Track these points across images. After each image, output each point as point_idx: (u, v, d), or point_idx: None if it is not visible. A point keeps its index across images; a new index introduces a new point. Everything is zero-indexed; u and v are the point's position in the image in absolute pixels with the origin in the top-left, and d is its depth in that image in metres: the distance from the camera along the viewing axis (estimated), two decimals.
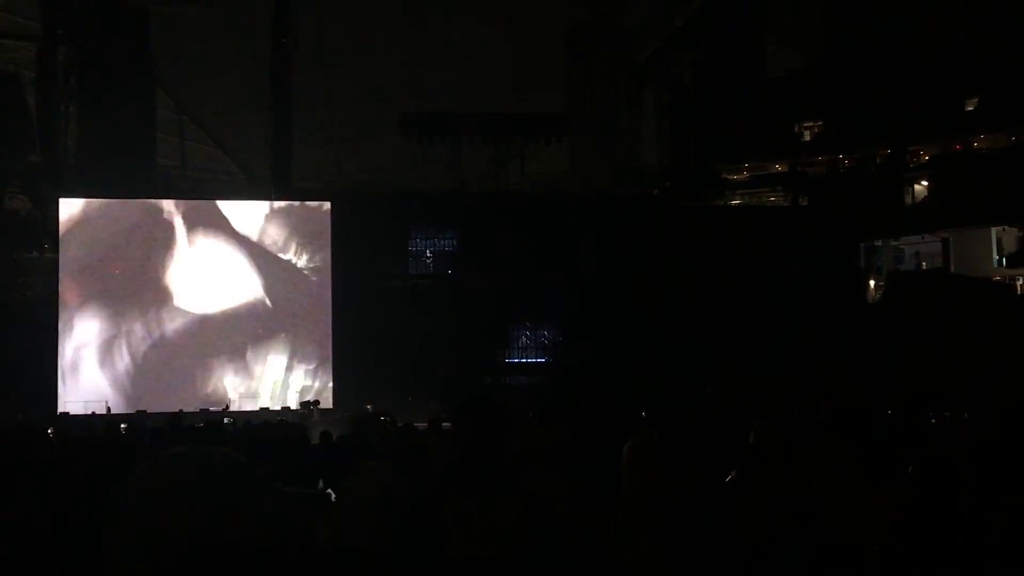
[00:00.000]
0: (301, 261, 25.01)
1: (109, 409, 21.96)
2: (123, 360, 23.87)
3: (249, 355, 24.41)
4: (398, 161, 34.32)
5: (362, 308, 25.21)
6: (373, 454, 6.20)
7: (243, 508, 1.35)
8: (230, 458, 1.40)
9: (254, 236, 24.95)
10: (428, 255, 27.19)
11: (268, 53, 29.29)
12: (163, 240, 24.53)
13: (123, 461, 6.54)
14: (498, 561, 2.83)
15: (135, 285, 24.21)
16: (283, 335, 24.63)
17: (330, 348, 24.74)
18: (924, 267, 30.87)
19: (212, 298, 24.43)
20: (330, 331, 24.79)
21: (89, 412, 21.57)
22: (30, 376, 22.84)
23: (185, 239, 24.60)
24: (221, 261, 24.64)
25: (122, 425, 11.67)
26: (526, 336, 27.31)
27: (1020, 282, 29.74)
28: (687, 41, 32.88)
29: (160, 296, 24.27)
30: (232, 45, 34.26)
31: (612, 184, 30.07)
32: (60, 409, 22.57)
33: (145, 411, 21.89)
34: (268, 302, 24.68)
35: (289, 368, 24.59)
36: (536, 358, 27.25)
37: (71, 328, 23.75)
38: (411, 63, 36.43)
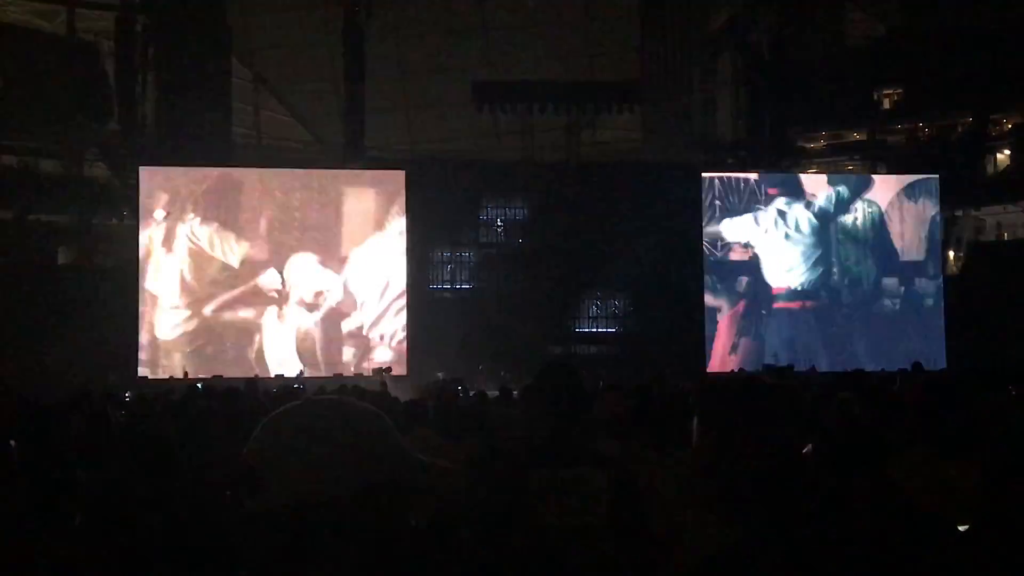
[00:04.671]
0: (375, 230, 25.15)
1: (187, 374, 22.37)
2: (201, 326, 24.27)
3: (323, 322, 24.67)
4: (470, 130, 34.30)
5: (434, 277, 25.39)
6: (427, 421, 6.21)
7: (378, 457, 1.38)
8: (363, 408, 1.43)
9: (327, 205, 25.18)
10: (499, 224, 27.14)
11: (342, 22, 29.38)
12: (238, 209, 24.86)
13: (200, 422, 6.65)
14: (580, 529, 2.82)
15: (213, 252, 24.56)
16: (357, 303, 24.83)
17: (404, 316, 24.89)
18: (1006, 238, 30.19)
19: (287, 267, 24.71)
20: (404, 299, 24.93)
21: (167, 376, 22.03)
22: (110, 342, 23.33)
23: (260, 208, 24.90)
24: (297, 231, 24.91)
25: (198, 384, 11.89)
26: (596, 306, 27.22)
27: None
28: (764, 7, 32.26)
29: (237, 263, 24.60)
30: (306, 15, 34.46)
31: (685, 153, 29.73)
32: (140, 374, 23.12)
33: (221, 376, 22.30)
34: (343, 270, 24.89)
35: (362, 335, 24.81)
36: (606, 328, 27.15)
37: (150, 294, 24.19)
38: (483, 31, 36.32)
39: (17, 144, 29.84)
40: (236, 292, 24.47)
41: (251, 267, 24.56)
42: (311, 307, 24.67)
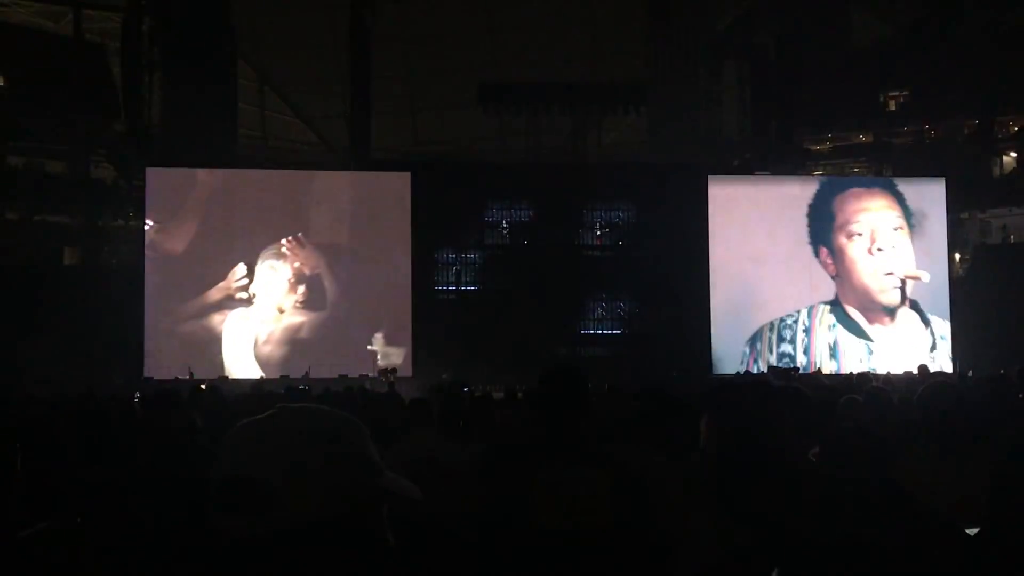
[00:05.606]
0: (380, 231, 25.17)
1: (192, 374, 22.37)
2: (207, 327, 24.29)
3: (328, 323, 24.68)
4: (476, 131, 34.30)
5: (440, 278, 25.41)
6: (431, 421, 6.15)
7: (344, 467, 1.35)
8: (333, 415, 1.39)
9: (333, 206, 25.20)
10: (504, 225, 27.11)
11: (348, 23, 29.39)
12: (242, 211, 24.89)
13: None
14: (584, 531, 2.81)
15: (218, 252, 24.60)
16: (362, 304, 24.83)
17: (409, 317, 24.90)
18: (1012, 240, 30.15)
19: (292, 266, 24.74)
20: (409, 300, 24.94)
21: (172, 377, 22.03)
22: (116, 342, 23.36)
23: (267, 208, 24.93)
24: (301, 232, 24.93)
25: (202, 385, 11.89)
26: (602, 307, 27.18)
27: None
28: (770, 9, 32.21)
29: (238, 265, 24.63)
30: (313, 16, 34.49)
31: (691, 155, 29.70)
32: (145, 375, 23.13)
33: (227, 377, 22.31)
34: (348, 271, 24.91)
35: (368, 336, 24.81)
36: (612, 329, 27.11)
37: (156, 296, 24.22)
38: (489, 33, 36.31)
39: (23, 145, 29.91)
40: (238, 293, 24.50)
41: (252, 269, 24.58)
42: (314, 308, 24.68)
